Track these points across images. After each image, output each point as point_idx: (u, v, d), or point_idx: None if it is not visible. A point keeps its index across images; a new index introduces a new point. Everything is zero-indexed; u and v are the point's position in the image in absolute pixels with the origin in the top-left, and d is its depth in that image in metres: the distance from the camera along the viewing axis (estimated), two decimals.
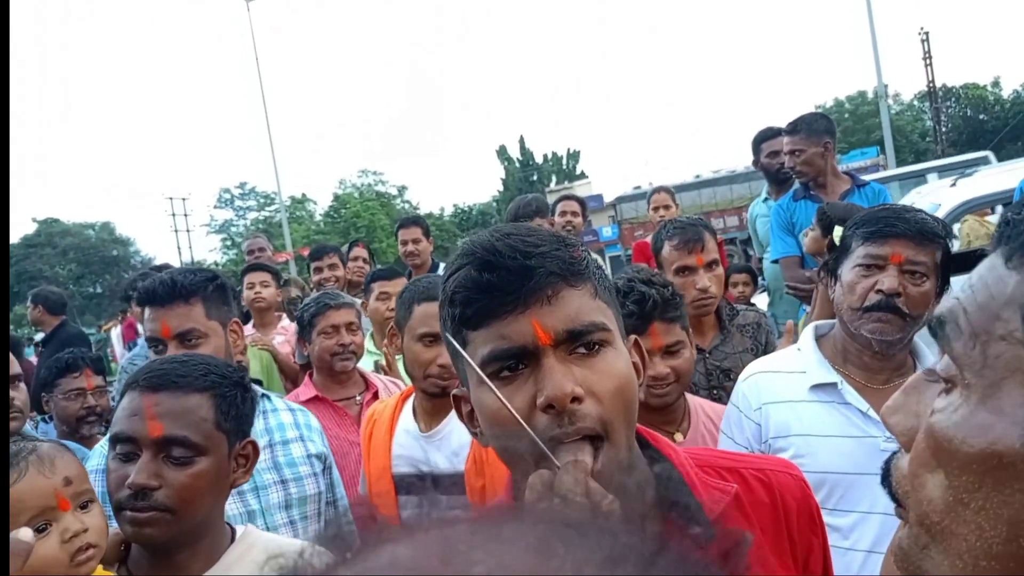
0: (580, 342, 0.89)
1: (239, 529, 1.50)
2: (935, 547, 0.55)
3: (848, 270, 1.77)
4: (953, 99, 48.52)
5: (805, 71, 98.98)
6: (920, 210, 1.81)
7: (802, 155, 3.85)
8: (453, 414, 2.02)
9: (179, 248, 49.99)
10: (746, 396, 1.89)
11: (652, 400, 1.93)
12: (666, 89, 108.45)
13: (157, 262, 49.92)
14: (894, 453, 0.62)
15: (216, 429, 1.41)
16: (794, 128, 3.93)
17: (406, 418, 2.22)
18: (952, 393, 0.55)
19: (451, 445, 2.10)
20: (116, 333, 10.96)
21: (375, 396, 2.81)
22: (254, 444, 1.52)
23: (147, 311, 2.09)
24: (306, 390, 2.82)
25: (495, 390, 0.86)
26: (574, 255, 0.90)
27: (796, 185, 4.07)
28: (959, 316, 0.55)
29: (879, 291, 1.69)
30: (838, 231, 2.64)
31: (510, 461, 0.92)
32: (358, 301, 3.11)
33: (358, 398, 2.86)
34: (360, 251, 5.31)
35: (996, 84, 50.81)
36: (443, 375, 2.08)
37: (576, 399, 0.86)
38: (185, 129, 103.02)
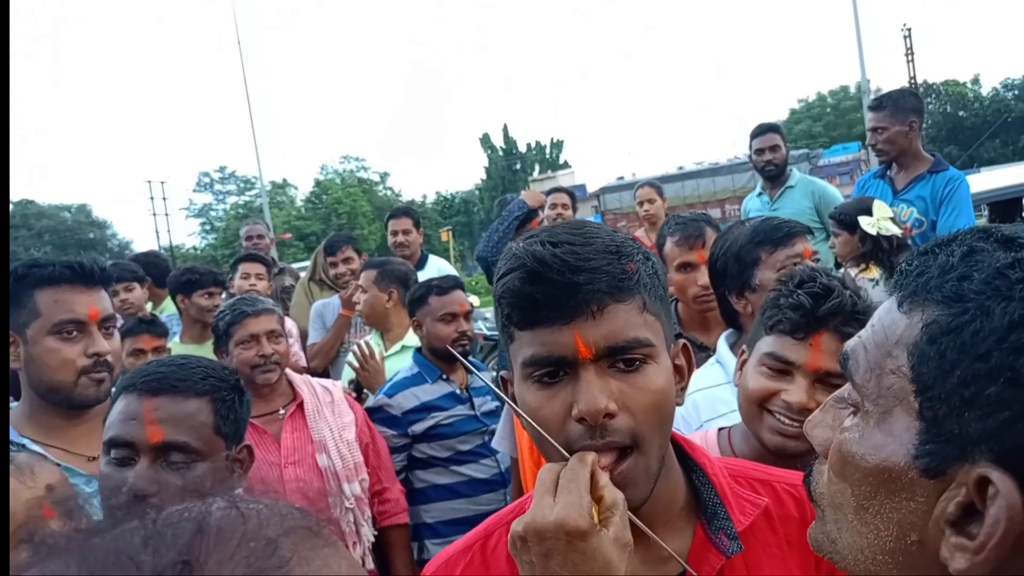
0: (621, 357, 0.89)
1: None
2: (841, 541, 0.67)
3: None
4: (934, 96, 48.96)
5: (789, 65, 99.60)
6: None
7: (885, 133, 3.72)
8: None
9: (157, 232, 49.50)
10: (686, 419, 1.88)
11: (774, 441, 1.40)
12: (651, 80, 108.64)
13: (135, 246, 49.58)
14: (816, 458, 0.74)
15: (215, 434, 1.38)
16: (879, 104, 3.80)
17: None
18: (857, 416, 0.66)
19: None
20: None
21: (300, 407, 2.61)
22: (249, 448, 1.49)
23: (62, 290, 1.77)
24: None
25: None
26: (625, 269, 0.89)
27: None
28: (860, 352, 0.66)
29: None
30: (865, 220, 2.68)
31: (542, 452, 0.93)
32: (278, 308, 2.83)
33: (281, 412, 2.61)
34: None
35: (976, 81, 51.39)
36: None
37: (609, 415, 0.87)
38: (165, 111, 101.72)
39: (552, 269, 0.86)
